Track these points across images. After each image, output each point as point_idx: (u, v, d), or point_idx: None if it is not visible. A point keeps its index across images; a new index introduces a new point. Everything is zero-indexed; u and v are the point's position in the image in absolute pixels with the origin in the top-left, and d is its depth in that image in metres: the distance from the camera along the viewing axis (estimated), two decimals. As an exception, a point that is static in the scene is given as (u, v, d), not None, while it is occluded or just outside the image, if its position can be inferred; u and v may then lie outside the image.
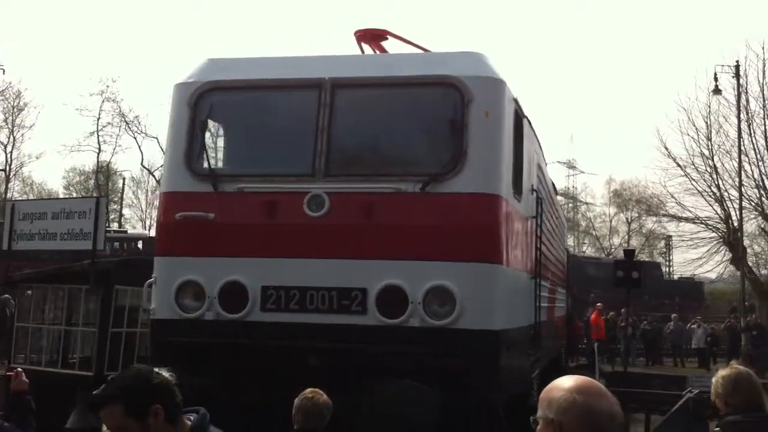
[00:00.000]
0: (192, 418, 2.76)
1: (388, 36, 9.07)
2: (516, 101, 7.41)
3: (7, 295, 15.72)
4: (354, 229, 6.56)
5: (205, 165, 6.93)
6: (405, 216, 6.51)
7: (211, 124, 7.07)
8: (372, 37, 8.98)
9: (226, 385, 6.33)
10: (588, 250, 56.44)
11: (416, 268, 6.40)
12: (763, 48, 27.96)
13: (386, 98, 6.95)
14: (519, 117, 7.58)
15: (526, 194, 8.00)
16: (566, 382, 2.31)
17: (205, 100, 7.09)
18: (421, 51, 8.51)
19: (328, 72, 6.94)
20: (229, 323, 6.62)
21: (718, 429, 3.96)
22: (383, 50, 9.15)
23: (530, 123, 8.57)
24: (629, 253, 10.77)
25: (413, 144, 6.98)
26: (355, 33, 9.05)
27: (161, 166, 50.88)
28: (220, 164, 6.94)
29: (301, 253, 6.60)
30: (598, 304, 24.82)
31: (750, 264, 28.88)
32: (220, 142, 7.13)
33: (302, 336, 6.45)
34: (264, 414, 6.33)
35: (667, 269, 53.98)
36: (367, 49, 9.42)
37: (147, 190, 51.24)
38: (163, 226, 7.12)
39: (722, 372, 4.12)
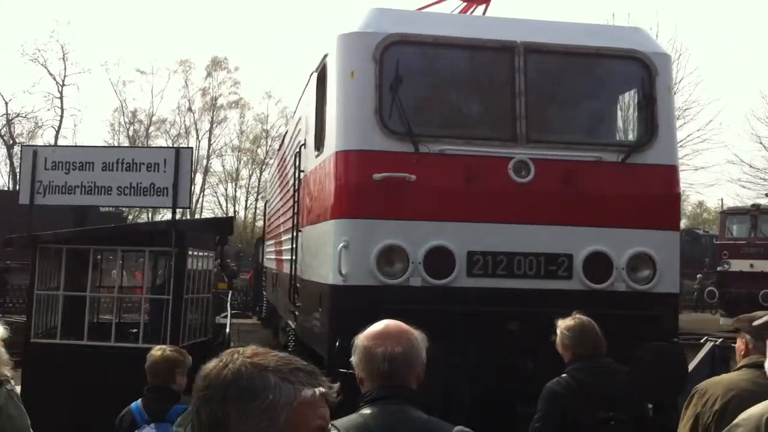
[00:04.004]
0: None
1: None
2: None
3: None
4: (559, 195, 6.68)
5: (400, 124, 6.59)
6: (607, 184, 6.76)
7: (397, 79, 6.68)
8: None
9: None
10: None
11: (619, 235, 6.71)
12: (629, 20, 30.85)
13: (576, 66, 7.06)
14: None
15: None
16: (371, 326, 2.44)
17: (391, 54, 6.70)
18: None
19: (519, 36, 6.88)
20: (435, 289, 6.48)
21: (565, 375, 4.08)
22: (466, 11, 9.11)
23: None
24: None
25: (608, 114, 7.21)
26: None
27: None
28: (412, 123, 6.61)
29: (507, 218, 6.61)
30: None
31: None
32: (410, 100, 6.76)
33: (507, 301, 6.50)
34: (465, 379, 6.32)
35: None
36: (445, 6, 9.32)
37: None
38: (353, 186, 6.64)
39: (566, 322, 4.20)
